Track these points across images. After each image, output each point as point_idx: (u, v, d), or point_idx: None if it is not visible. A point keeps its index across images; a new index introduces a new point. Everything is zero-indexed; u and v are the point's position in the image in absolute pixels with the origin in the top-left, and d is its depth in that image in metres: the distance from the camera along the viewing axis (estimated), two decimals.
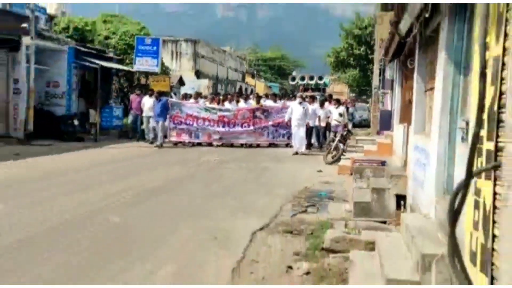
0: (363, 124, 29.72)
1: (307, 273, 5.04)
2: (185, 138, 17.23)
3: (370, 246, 5.28)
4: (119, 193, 8.61)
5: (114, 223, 6.66)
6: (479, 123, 2.09)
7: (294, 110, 15.53)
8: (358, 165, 9.20)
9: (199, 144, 17.18)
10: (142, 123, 18.49)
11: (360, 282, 4.18)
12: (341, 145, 13.62)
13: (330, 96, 19.88)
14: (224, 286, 2.92)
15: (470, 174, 1.70)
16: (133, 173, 11.07)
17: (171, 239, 6.02)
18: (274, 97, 20.70)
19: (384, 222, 6.71)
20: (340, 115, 16.02)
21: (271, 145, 17.44)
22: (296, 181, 10.45)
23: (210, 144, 17.14)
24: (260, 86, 43.77)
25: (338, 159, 12.90)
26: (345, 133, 14.52)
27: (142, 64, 21.92)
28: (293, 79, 31.54)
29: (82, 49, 19.86)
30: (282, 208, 7.90)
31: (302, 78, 30.21)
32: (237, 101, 18.43)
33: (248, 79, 46.25)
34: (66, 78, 18.50)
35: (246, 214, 7.40)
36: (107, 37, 24.33)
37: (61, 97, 18.65)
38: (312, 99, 17.75)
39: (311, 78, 29.70)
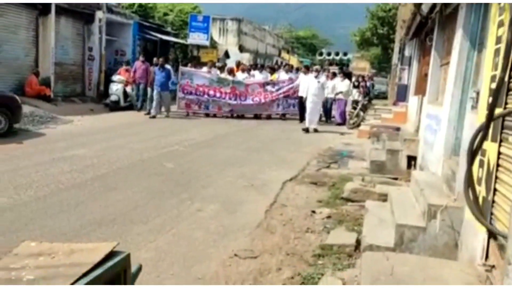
0: (381, 96, 28.91)
1: (328, 217, 5.06)
2: (194, 108, 14.18)
3: (383, 197, 5.24)
4: (175, 143, 8.78)
5: (169, 168, 6.82)
6: (504, 69, 1.99)
7: (310, 84, 12.12)
8: (376, 130, 9.04)
9: (207, 115, 14.25)
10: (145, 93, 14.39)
11: (373, 225, 4.17)
12: (361, 113, 13.37)
13: (341, 69, 17.93)
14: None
15: (491, 115, 1.65)
16: (185, 129, 11.19)
17: (216, 184, 6.13)
18: (290, 67, 17.59)
19: (396, 179, 6.62)
20: (357, 86, 14.75)
21: (283, 116, 14.66)
22: (321, 141, 10.37)
23: (214, 116, 14.26)
24: (293, 61, 42.87)
25: (359, 125, 12.69)
26: (365, 102, 14.23)
27: (194, 38, 21.87)
28: (321, 54, 30.63)
29: (145, 23, 19.85)
30: (308, 163, 7.89)
31: (329, 54, 29.31)
32: (248, 71, 15.36)
33: (284, 54, 45.39)
34: (131, 48, 18.61)
35: (278, 166, 7.43)
36: (165, 14, 24.22)
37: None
38: (334, 75, 14.82)
39: (337, 54, 28.79)
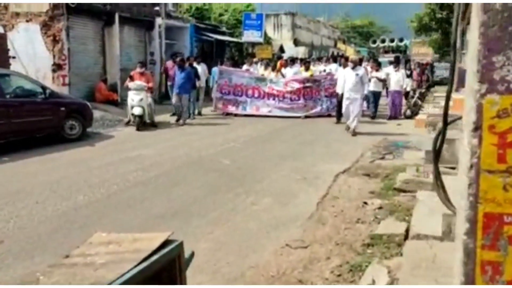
0: (444, 82, 27.54)
1: (380, 207, 5.11)
2: (231, 109, 13.22)
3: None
4: (232, 140, 9.13)
5: (226, 164, 7.16)
6: (451, 83, 2.17)
7: (347, 78, 10.22)
8: (432, 119, 8.82)
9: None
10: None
11: (423, 215, 4.20)
12: (419, 102, 12.98)
13: (397, 57, 15.79)
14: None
15: (446, 121, 1.96)
16: (241, 125, 11.45)
17: (269, 178, 6.36)
18: (328, 59, 16.06)
19: (453, 168, 6.47)
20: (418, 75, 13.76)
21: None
22: (376, 132, 10.26)
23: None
24: (350, 51, 42.06)
25: (416, 114, 12.34)
26: (423, 90, 13.77)
27: (249, 36, 22.30)
28: (374, 42, 29.71)
29: (201, 25, 20.54)
30: (362, 155, 7.90)
31: (383, 41, 28.30)
32: (276, 69, 13.99)
33: (340, 45, 44.73)
34: (189, 49, 19.28)
35: (332, 159, 7.52)
36: (220, 14, 24.83)
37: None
38: (378, 65, 13.33)
39: (392, 40, 27.75)
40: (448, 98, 1.89)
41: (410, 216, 4.61)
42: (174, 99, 11.74)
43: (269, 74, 13.76)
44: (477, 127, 1.39)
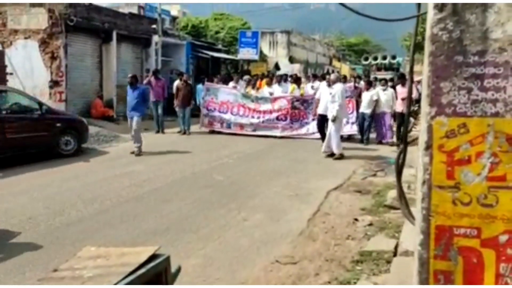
0: None
1: (370, 224, 5.16)
2: (217, 126, 13.02)
3: None
4: (225, 156, 9.19)
5: (219, 180, 7.21)
6: (408, 105, 2.38)
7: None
8: None
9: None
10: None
11: (411, 232, 4.24)
12: (412, 119, 13.08)
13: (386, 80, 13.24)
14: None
15: (405, 141, 2.18)
16: (235, 142, 11.44)
17: (262, 194, 6.40)
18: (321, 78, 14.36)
19: None
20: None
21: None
22: (369, 150, 10.37)
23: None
24: (345, 69, 42.54)
25: (409, 131, 12.41)
26: (416, 108, 13.90)
27: (244, 53, 22.52)
28: (366, 59, 29.56)
29: (197, 42, 20.79)
30: (354, 172, 7.96)
31: (375, 58, 28.06)
32: (256, 86, 13.75)
33: (335, 62, 45.18)
34: (185, 66, 19.47)
35: (324, 176, 7.57)
36: (217, 32, 25.14)
37: None
38: (369, 84, 12.15)
39: (384, 57, 27.42)
40: (407, 120, 2.00)
41: (399, 233, 4.66)
42: (129, 123, 9.86)
43: (250, 91, 13.33)
44: (428, 146, 1.51)
